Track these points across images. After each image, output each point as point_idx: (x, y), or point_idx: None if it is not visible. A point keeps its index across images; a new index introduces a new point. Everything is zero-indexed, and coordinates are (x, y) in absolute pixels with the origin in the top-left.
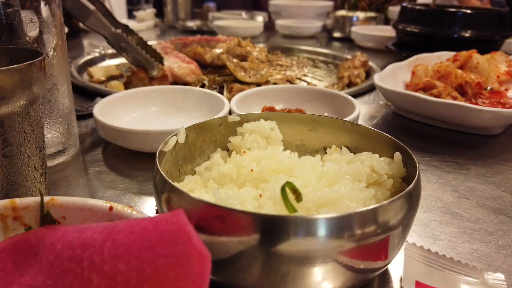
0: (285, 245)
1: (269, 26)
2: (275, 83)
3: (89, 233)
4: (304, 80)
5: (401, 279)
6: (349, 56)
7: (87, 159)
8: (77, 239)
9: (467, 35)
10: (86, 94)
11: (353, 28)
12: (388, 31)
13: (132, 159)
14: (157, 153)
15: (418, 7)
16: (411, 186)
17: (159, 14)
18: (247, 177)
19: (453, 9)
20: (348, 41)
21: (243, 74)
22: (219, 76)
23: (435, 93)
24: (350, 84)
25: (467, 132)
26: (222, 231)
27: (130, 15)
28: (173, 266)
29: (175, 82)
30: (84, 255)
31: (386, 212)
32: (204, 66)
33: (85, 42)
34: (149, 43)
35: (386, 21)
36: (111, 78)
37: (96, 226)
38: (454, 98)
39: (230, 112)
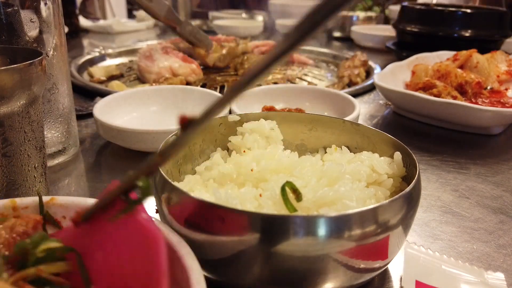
0: (285, 245)
1: (269, 26)
2: (275, 83)
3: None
4: (304, 80)
5: (401, 279)
6: (349, 56)
7: (87, 159)
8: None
9: (467, 34)
10: (86, 94)
11: (353, 28)
12: (388, 31)
13: (132, 159)
14: None
15: (418, 7)
16: (411, 185)
17: None
18: (247, 176)
19: (453, 9)
20: (348, 41)
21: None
22: (220, 76)
23: (435, 92)
24: (350, 84)
25: (467, 132)
26: (222, 231)
27: (130, 15)
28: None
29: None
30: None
31: (386, 212)
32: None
33: (85, 42)
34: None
35: (386, 21)
36: (111, 77)
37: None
38: (454, 98)
39: (230, 111)
